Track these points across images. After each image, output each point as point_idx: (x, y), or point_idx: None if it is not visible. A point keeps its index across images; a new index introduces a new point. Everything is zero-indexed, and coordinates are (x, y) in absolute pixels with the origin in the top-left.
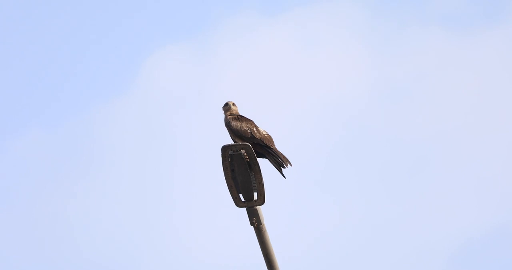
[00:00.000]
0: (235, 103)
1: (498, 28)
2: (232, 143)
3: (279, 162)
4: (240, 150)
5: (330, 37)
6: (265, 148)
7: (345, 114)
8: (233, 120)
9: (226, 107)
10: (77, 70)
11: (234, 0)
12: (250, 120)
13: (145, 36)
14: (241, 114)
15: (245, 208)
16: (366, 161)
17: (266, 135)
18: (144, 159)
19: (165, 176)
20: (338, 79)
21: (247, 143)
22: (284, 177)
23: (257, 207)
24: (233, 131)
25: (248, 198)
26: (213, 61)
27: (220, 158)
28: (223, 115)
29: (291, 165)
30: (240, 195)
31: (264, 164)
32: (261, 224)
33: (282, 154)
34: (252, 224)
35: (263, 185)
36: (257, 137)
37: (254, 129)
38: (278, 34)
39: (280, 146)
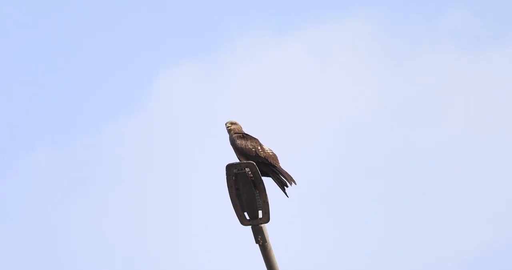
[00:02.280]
0: (233, 121)
1: (508, 46)
2: (237, 161)
3: (283, 181)
4: (244, 168)
5: (340, 55)
6: (269, 166)
7: (354, 132)
8: (238, 138)
9: (227, 128)
10: (88, 87)
11: (245, 18)
12: (255, 139)
13: (155, 55)
14: (246, 132)
15: (250, 226)
16: (373, 178)
17: (270, 153)
18: (152, 177)
19: (172, 194)
20: (348, 98)
21: (251, 161)
22: (287, 196)
23: (262, 225)
24: (238, 150)
25: (253, 216)
26: (223, 79)
27: (225, 177)
28: (228, 134)
29: (295, 184)
30: (245, 213)
31: (269, 182)
32: (266, 242)
33: (286, 172)
34: (257, 242)
35: (268, 203)
36: (262, 155)
37: (259, 147)
38: (288, 52)
39: (286, 163)
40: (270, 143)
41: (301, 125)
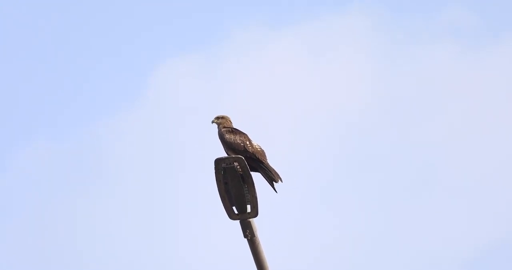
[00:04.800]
0: (221, 115)
1: (506, 43)
2: (225, 155)
3: (271, 176)
4: (233, 163)
5: (338, 51)
6: (257, 162)
7: (352, 128)
8: (227, 133)
9: (217, 121)
10: (86, 82)
11: (242, 13)
12: (244, 134)
13: (153, 49)
14: (235, 127)
15: (238, 221)
16: (369, 175)
17: (259, 149)
18: (151, 170)
19: (167, 189)
20: (346, 94)
21: (240, 156)
22: (276, 192)
23: (251, 219)
24: (226, 144)
25: (242, 210)
26: (220, 74)
27: (214, 171)
28: (217, 128)
29: (281, 181)
30: (234, 208)
31: (257, 177)
32: (254, 236)
33: (273, 169)
34: (245, 236)
35: (256, 197)
36: (250, 151)
37: (248, 142)
38: (285, 48)
39: (282, 158)
40: (265, 138)
41: (298, 121)
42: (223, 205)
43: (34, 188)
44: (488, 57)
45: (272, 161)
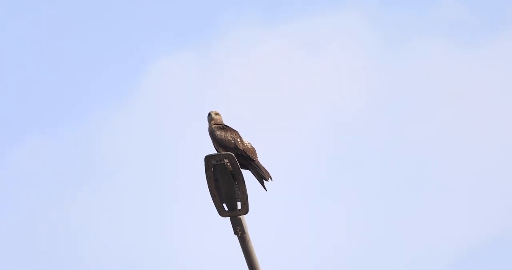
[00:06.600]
0: (218, 112)
1: (500, 39)
2: (215, 152)
3: (261, 174)
4: (223, 160)
5: (331, 48)
6: (248, 159)
7: (345, 125)
8: (218, 129)
9: (209, 117)
10: (79, 78)
11: (236, 10)
12: (235, 131)
13: (146, 46)
14: (225, 124)
15: (228, 218)
16: (359, 170)
17: (249, 147)
18: (140, 167)
19: (156, 185)
20: (339, 91)
21: (230, 153)
22: (266, 190)
23: (241, 216)
24: (217, 141)
25: (232, 207)
26: (213, 71)
27: (204, 168)
28: (208, 124)
29: (271, 180)
30: (224, 205)
31: (248, 173)
32: (245, 233)
33: (263, 167)
34: (236, 233)
35: (246, 194)
36: (241, 148)
37: (238, 140)
38: (278, 45)
39: (270, 155)
40: (256, 136)
41: (290, 118)
42: (213, 202)
43: (28, 184)
44: (483, 53)
45: (263, 159)
